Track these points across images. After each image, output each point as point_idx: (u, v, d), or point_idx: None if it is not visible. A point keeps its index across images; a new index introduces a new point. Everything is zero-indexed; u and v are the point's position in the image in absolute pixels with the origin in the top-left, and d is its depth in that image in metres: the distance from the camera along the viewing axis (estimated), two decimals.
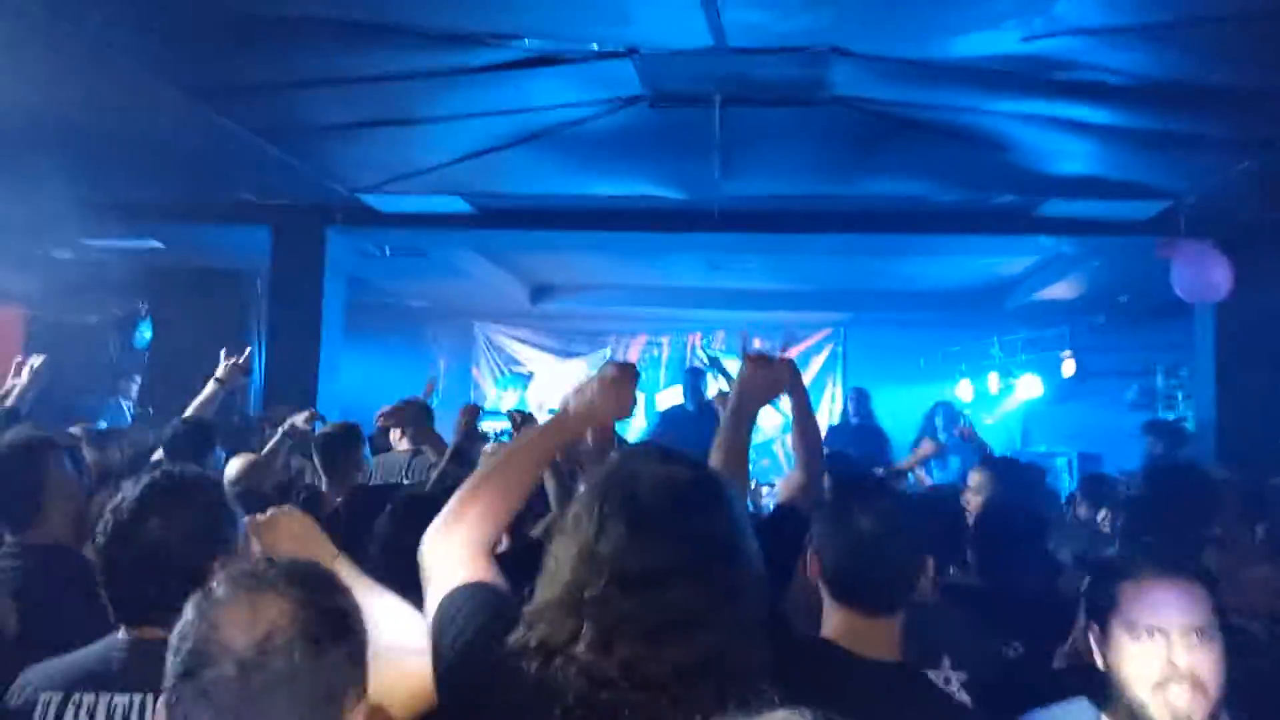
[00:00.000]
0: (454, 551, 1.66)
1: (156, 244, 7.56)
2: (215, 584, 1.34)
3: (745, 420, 2.40)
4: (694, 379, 8.44)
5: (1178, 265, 6.13)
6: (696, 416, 7.45)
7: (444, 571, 1.64)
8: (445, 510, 1.73)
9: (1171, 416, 8.86)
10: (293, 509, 2.12)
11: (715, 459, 2.33)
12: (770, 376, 2.46)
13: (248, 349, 5.04)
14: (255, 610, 1.26)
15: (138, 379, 8.40)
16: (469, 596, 1.57)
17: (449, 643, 1.52)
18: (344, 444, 4.51)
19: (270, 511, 2.09)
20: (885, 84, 4.47)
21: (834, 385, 12.28)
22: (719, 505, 1.47)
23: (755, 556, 1.48)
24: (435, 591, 1.63)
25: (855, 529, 1.98)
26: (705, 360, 6.08)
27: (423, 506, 1.96)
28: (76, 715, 1.80)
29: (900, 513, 2.03)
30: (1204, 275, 6.01)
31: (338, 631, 1.30)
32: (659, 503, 1.44)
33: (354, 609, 1.37)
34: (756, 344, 10.30)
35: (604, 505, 1.44)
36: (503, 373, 12.68)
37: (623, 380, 1.89)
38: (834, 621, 1.99)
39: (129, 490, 2.00)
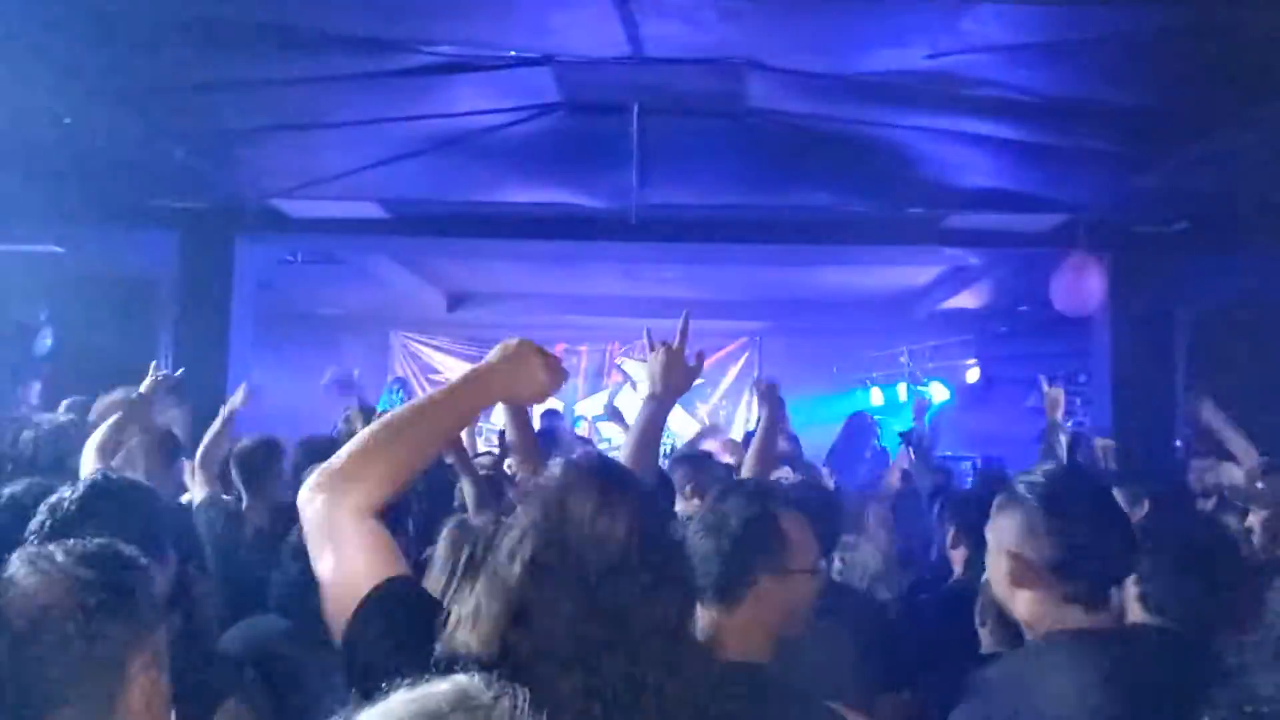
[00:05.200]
0: (348, 523, 1.51)
1: (56, 248, 7.31)
2: (10, 561, 1.47)
3: (662, 411, 2.41)
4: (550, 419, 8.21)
5: (1055, 277, 6.37)
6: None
7: (339, 550, 1.50)
8: (337, 465, 1.56)
9: (1070, 423, 9.16)
10: None
11: (628, 450, 2.37)
12: (686, 367, 2.44)
13: (180, 371, 4.94)
14: (36, 588, 1.40)
15: (37, 385, 8.10)
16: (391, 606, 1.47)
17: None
18: (264, 459, 4.36)
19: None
20: (799, 97, 4.57)
21: (750, 393, 12.43)
22: (658, 557, 1.38)
23: (687, 610, 1.42)
24: (335, 571, 1.50)
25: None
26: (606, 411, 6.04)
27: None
28: None
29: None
30: (1078, 288, 6.26)
31: (117, 606, 1.42)
32: (601, 569, 1.33)
33: (142, 583, 1.49)
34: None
35: (534, 559, 1.35)
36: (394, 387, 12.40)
37: (548, 361, 1.74)
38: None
39: (66, 492, 2.06)
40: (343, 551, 1.50)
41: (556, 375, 1.74)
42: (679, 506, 3.76)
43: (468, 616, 1.36)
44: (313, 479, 1.56)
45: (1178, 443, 6.64)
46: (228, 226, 6.84)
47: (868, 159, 5.35)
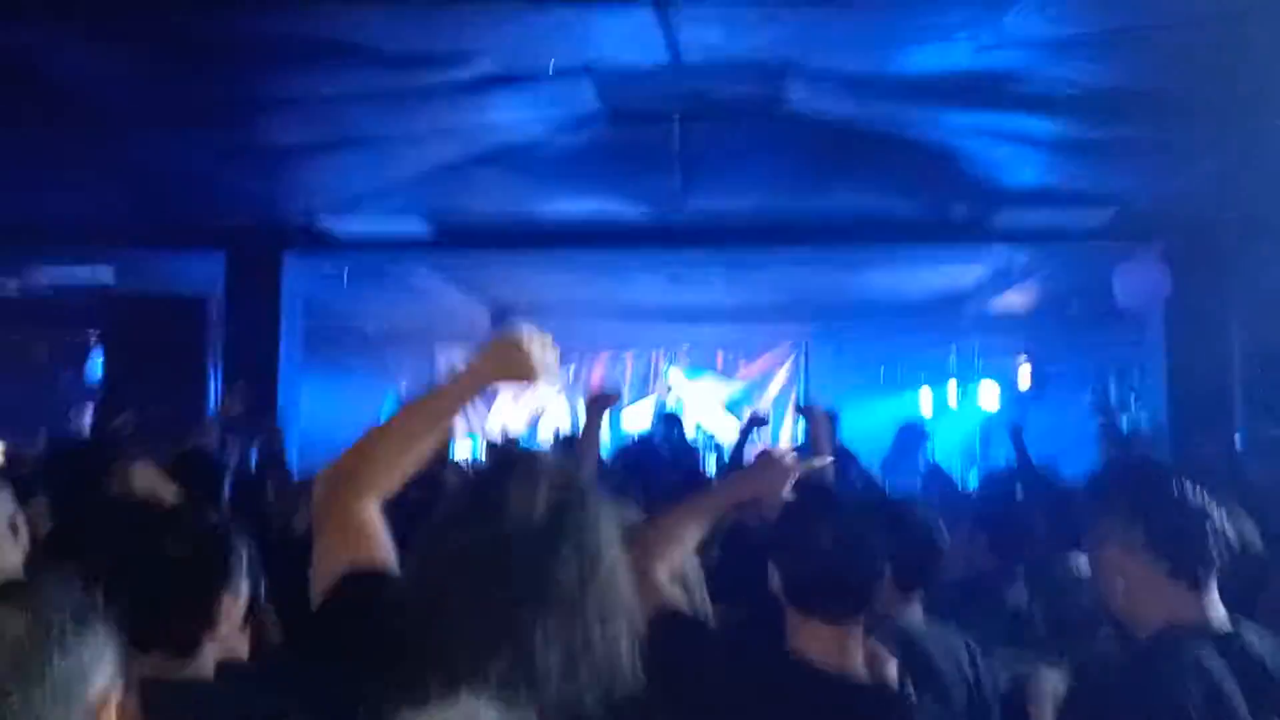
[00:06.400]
0: (343, 510, 1.61)
1: (107, 277, 7.44)
2: None
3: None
4: (669, 426, 8.09)
5: (1116, 276, 6.26)
6: (670, 462, 7.13)
7: (330, 534, 1.61)
8: (343, 457, 1.67)
9: (1125, 421, 9.00)
10: None
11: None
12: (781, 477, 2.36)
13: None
14: None
15: (89, 409, 8.25)
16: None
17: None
18: None
19: None
20: (840, 98, 4.54)
21: (796, 398, 12.35)
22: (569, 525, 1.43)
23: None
24: (324, 552, 1.59)
25: (815, 540, 2.00)
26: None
27: None
28: None
29: (860, 523, 2.04)
30: (1140, 284, 6.15)
31: (72, 641, 1.37)
32: (519, 544, 1.40)
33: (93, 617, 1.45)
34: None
35: (456, 545, 1.41)
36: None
37: (536, 344, 1.78)
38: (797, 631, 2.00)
39: None
40: (332, 536, 1.60)
41: (545, 357, 1.77)
42: None
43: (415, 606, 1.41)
44: (322, 472, 1.67)
45: (1235, 438, 6.49)
46: (275, 244, 6.92)
47: (912, 158, 5.29)
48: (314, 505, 1.68)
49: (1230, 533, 1.94)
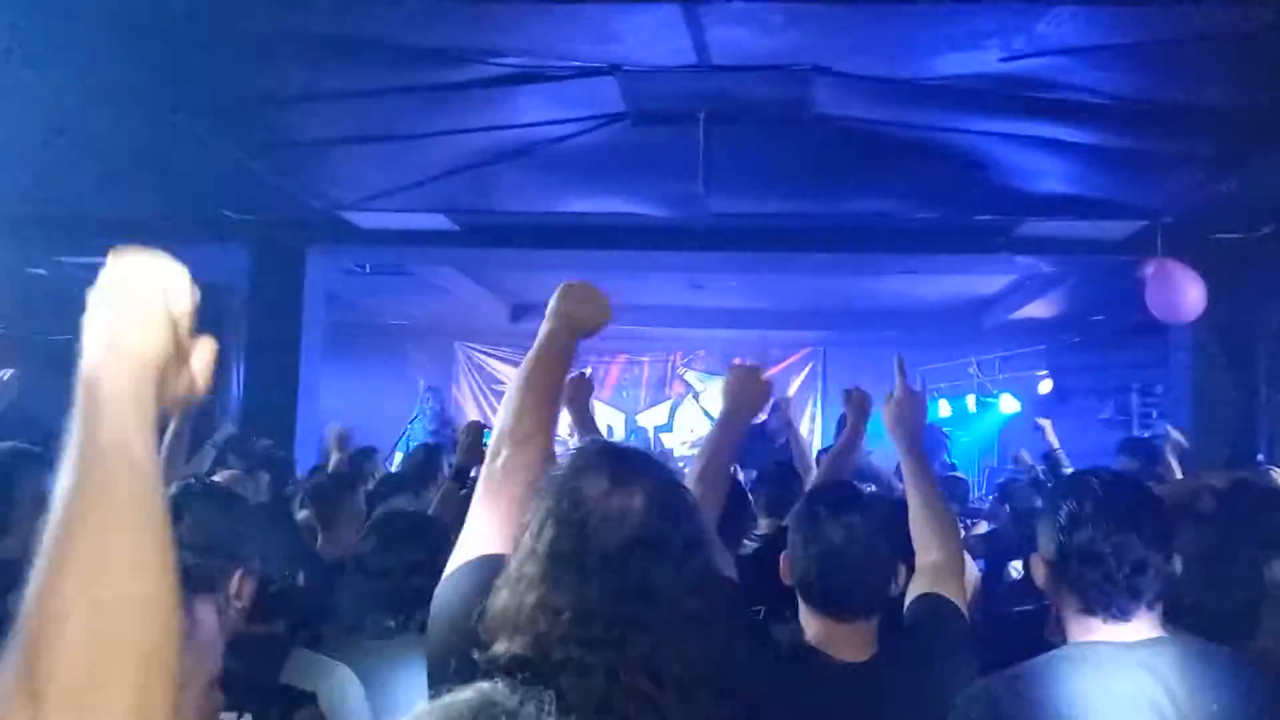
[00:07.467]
0: (512, 487, 1.63)
1: None
2: None
3: (733, 430, 2.41)
4: None
5: (1151, 285, 6.19)
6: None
7: (488, 510, 1.62)
8: (507, 429, 1.70)
9: (1147, 435, 8.92)
10: None
11: (697, 466, 2.35)
12: (761, 387, 2.46)
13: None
14: None
15: None
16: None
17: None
18: (340, 490, 4.07)
19: None
20: (867, 102, 4.51)
21: (814, 405, 12.31)
22: (677, 537, 1.34)
23: (712, 582, 1.36)
24: (475, 523, 1.62)
25: (827, 538, 2.01)
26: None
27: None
28: None
29: (872, 521, 2.04)
30: (1178, 295, 6.07)
31: None
32: (612, 546, 1.30)
33: None
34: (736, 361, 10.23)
35: (552, 544, 1.32)
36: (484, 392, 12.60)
37: (594, 290, 1.93)
38: (811, 626, 2.03)
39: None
40: (490, 514, 1.61)
41: (606, 304, 1.93)
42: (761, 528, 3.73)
43: (499, 613, 1.33)
44: (493, 445, 1.71)
45: (1260, 456, 6.41)
46: (299, 238, 6.96)
47: (937, 165, 5.26)
48: (493, 471, 1.68)
49: (1176, 565, 1.82)
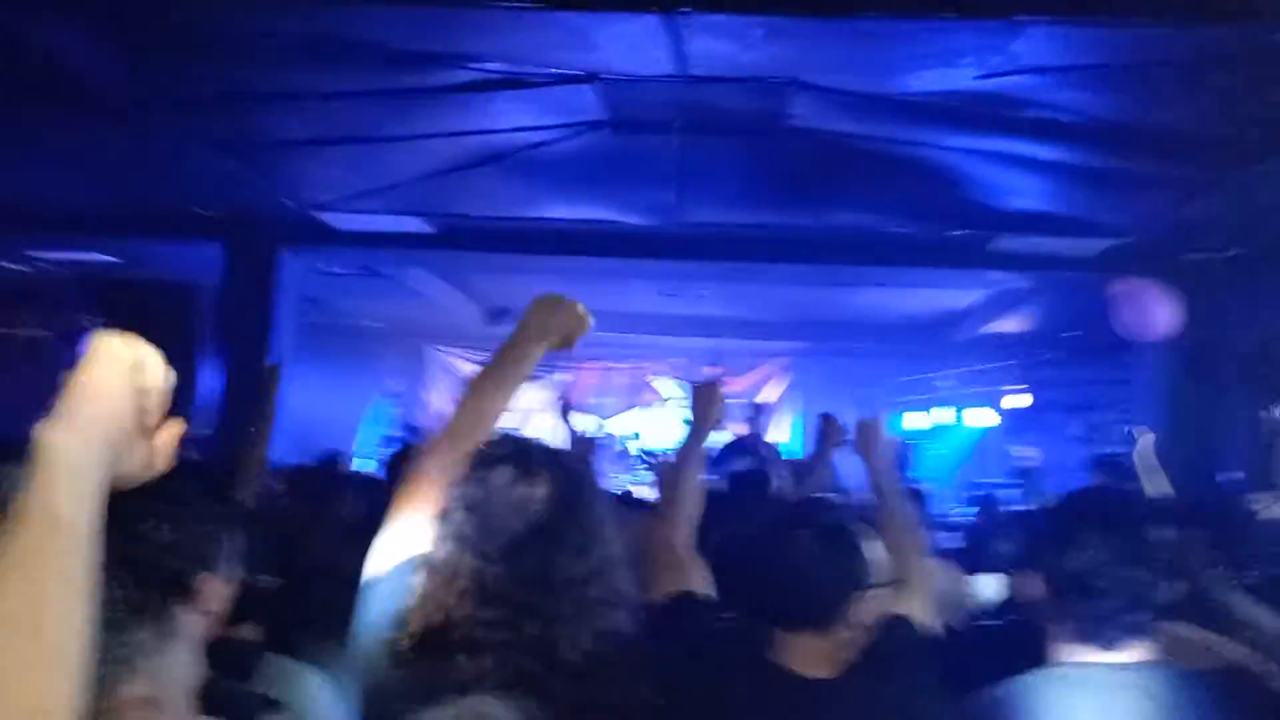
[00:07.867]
0: (434, 485, 1.66)
1: (106, 257, 7.40)
2: None
3: (695, 442, 2.60)
4: None
5: (1120, 304, 6.25)
6: None
7: (411, 505, 1.66)
8: (441, 432, 1.75)
9: (1118, 451, 8.98)
10: None
11: (670, 474, 2.49)
12: (718, 400, 2.64)
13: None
14: None
15: None
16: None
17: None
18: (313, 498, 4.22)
19: None
20: (843, 116, 4.53)
21: (786, 414, 12.34)
22: (575, 528, 1.45)
23: (611, 572, 1.46)
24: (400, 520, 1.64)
25: (788, 555, 2.01)
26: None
27: None
28: None
29: (829, 538, 2.04)
30: (1146, 314, 6.13)
31: None
32: (513, 533, 1.42)
33: None
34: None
35: (459, 529, 1.44)
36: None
37: (568, 303, 1.96)
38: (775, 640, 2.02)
39: None
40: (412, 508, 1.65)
41: (584, 316, 1.96)
42: None
43: (416, 593, 1.45)
44: (434, 441, 1.76)
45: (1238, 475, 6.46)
46: (272, 237, 6.90)
47: (912, 179, 5.29)
48: (418, 469, 1.72)
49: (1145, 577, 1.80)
